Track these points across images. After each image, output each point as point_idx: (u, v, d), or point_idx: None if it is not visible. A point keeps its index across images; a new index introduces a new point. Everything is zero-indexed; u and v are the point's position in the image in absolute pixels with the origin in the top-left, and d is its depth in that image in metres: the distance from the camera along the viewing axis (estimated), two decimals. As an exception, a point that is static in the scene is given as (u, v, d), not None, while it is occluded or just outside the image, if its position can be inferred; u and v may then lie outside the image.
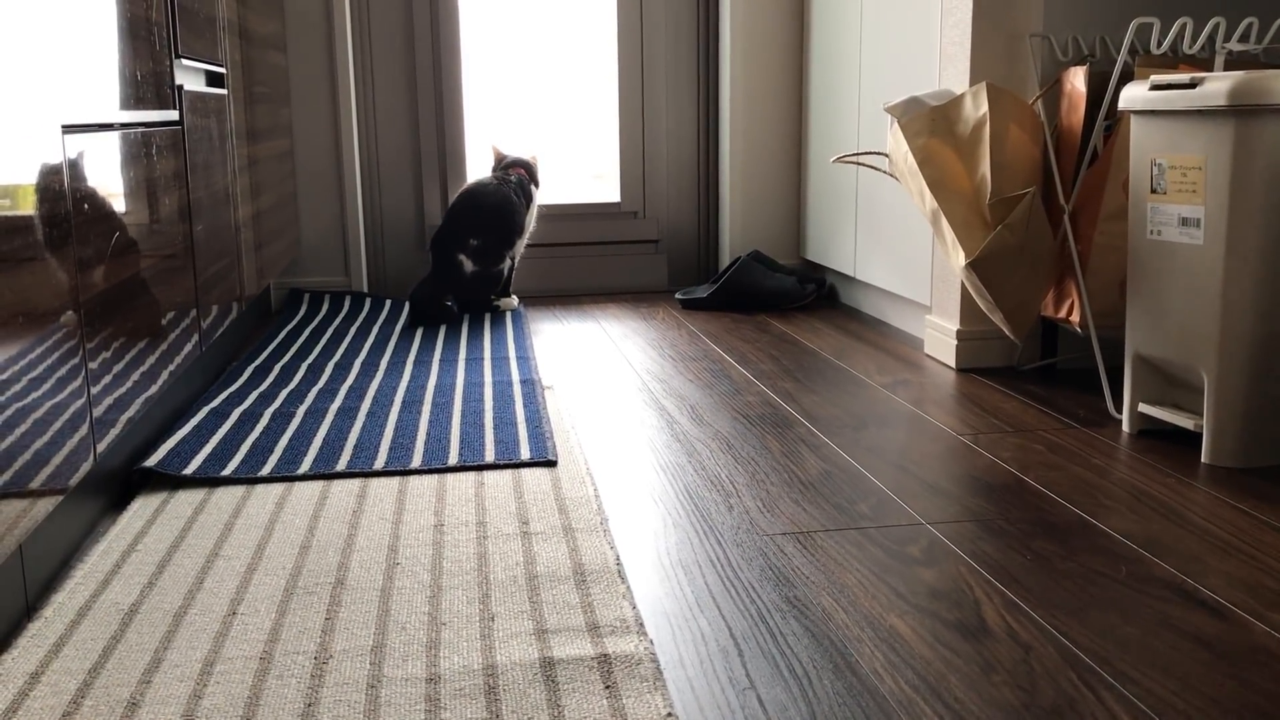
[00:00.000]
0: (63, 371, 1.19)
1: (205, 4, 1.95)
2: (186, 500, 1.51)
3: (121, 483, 1.59)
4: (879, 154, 2.18)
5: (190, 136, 1.82)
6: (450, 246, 2.78)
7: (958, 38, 2.13)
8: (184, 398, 2.02)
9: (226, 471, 1.60)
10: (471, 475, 1.60)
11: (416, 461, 1.64)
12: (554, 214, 3.20)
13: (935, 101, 1.99)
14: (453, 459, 1.65)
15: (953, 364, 2.21)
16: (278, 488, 1.56)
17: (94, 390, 1.29)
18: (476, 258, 2.78)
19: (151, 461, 1.62)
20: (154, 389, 1.53)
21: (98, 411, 1.30)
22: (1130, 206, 1.70)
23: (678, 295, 2.99)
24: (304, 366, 2.30)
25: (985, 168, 1.87)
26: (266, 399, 2.01)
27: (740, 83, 3.09)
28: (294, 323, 2.76)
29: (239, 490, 1.55)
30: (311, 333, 2.66)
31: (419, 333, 2.63)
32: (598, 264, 3.24)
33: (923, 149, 1.93)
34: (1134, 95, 1.68)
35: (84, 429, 1.24)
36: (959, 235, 1.87)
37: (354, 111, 3.02)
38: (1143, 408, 1.73)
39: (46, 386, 1.14)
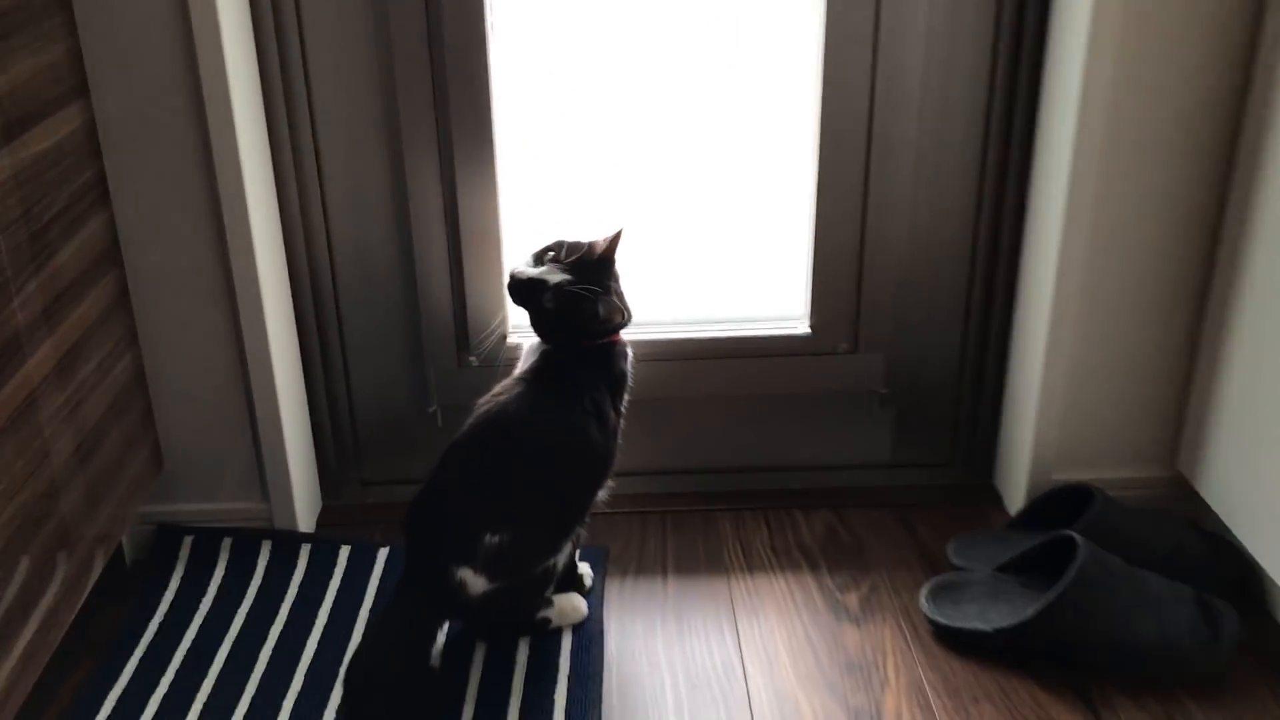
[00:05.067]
0: None
1: None
2: None
3: None
4: None
5: None
6: (441, 552, 1.27)
7: None
8: None
9: None
10: None
11: None
12: (681, 352, 1.62)
13: None
14: None
15: None
16: None
17: None
18: (496, 567, 1.27)
19: None
20: None
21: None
22: None
23: (927, 606, 1.41)
24: None
25: None
26: None
27: (1090, 146, 1.39)
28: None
29: None
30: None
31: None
32: (765, 430, 1.67)
33: None
34: None
35: None
36: None
37: (261, 165, 1.45)
38: None
39: None
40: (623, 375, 1.37)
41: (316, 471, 1.65)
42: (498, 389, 1.33)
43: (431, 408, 1.64)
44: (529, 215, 1.60)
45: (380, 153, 1.51)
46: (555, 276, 1.31)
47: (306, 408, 1.60)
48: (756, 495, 1.66)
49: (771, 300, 1.64)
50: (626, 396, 1.39)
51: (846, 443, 1.68)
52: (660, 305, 1.61)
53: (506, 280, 1.34)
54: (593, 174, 1.60)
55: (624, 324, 1.36)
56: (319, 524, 1.64)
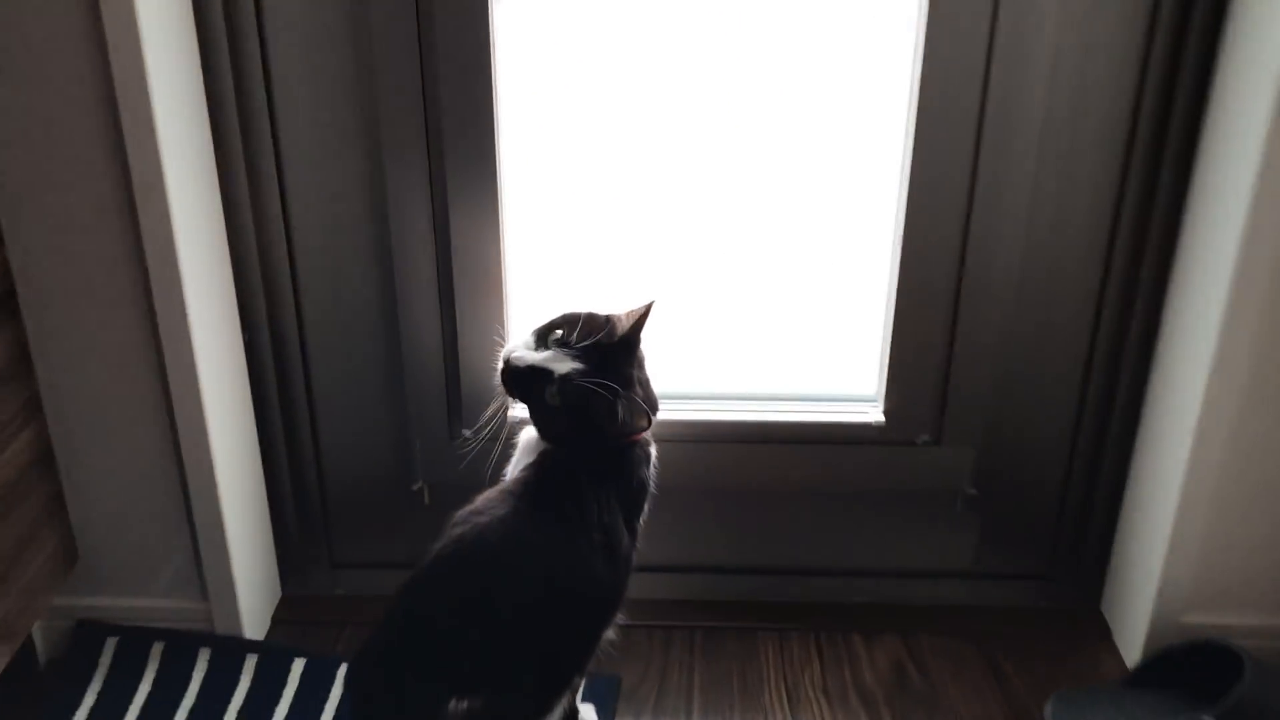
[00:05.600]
0: None
1: None
2: None
3: None
4: None
5: None
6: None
7: None
8: None
9: None
10: None
11: None
12: (725, 435, 1.31)
13: None
14: None
15: None
16: None
17: None
18: (464, 740, 0.97)
19: None
20: None
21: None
22: None
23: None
24: None
25: None
26: None
27: (1270, 212, 1.06)
28: None
29: None
30: None
31: None
32: (824, 530, 1.37)
33: None
34: None
35: None
36: None
37: (203, 190, 1.17)
38: None
39: None
40: (642, 487, 1.06)
41: (274, 557, 1.37)
42: (478, 504, 1.03)
43: (416, 484, 1.35)
44: (539, 256, 1.29)
45: (358, 175, 1.21)
46: (563, 365, 1.01)
47: (262, 483, 1.32)
48: (809, 610, 1.36)
49: (837, 378, 1.32)
50: (647, 507, 1.09)
51: (923, 550, 1.37)
52: (701, 378, 1.31)
53: (500, 367, 1.04)
54: (622, 209, 1.29)
55: (648, 424, 1.06)
56: (276, 618, 1.36)
